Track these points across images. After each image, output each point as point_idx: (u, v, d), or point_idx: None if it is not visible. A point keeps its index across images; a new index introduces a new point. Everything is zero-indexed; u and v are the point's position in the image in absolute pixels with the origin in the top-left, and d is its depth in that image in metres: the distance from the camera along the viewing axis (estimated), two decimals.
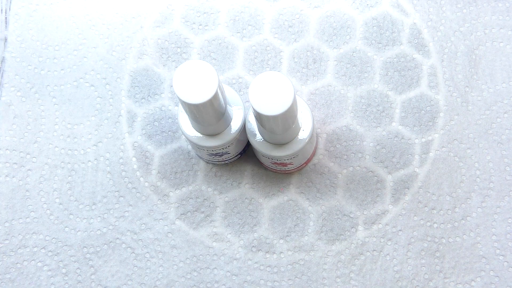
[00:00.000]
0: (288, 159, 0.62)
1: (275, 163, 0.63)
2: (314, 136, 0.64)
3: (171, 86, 0.69)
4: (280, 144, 0.61)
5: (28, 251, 0.67)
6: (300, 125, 0.61)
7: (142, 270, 0.66)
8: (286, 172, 0.67)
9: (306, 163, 0.66)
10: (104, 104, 0.69)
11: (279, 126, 0.58)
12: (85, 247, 0.67)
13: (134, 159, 0.68)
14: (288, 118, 0.57)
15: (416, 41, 0.69)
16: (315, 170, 0.67)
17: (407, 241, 0.66)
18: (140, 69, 0.70)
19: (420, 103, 0.68)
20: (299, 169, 0.67)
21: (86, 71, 0.70)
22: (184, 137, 0.67)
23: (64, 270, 0.67)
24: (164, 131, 0.68)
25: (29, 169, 0.68)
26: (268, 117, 0.56)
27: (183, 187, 0.68)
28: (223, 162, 0.67)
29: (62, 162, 0.68)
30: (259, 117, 0.57)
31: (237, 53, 0.69)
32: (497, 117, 0.67)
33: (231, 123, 0.62)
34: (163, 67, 0.69)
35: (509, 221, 0.66)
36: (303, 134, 0.61)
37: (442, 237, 0.66)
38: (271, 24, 0.70)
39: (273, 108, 0.55)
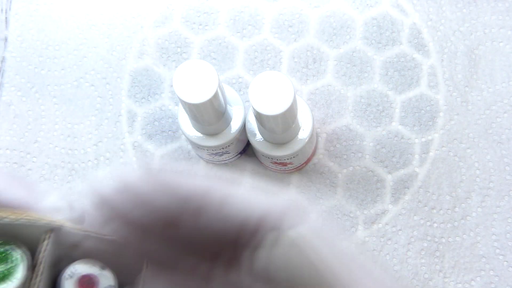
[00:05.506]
0: (288, 159, 0.62)
1: (275, 162, 0.63)
2: (314, 135, 0.64)
3: (171, 86, 0.69)
4: (280, 144, 0.61)
5: None
6: (300, 125, 0.61)
7: None
8: (286, 171, 0.67)
9: (306, 162, 0.66)
10: (104, 104, 0.69)
11: (279, 126, 0.58)
12: None
13: (134, 158, 0.68)
14: (288, 118, 0.57)
15: (416, 41, 0.69)
16: (315, 170, 0.67)
17: (407, 241, 0.66)
18: (140, 69, 0.70)
19: (420, 103, 0.68)
20: (299, 168, 0.67)
21: (86, 71, 0.70)
22: (184, 137, 0.68)
23: None
24: (164, 131, 0.68)
25: (29, 169, 0.68)
26: (268, 117, 0.56)
27: None
28: (223, 162, 0.67)
29: (62, 161, 0.68)
30: (259, 116, 0.57)
31: (237, 53, 0.69)
32: (497, 117, 0.67)
33: (231, 123, 0.62)
34: (163, 67, 0.69)
35: (509, 221, 0.66)
36: (303, 133, 0.61)
37: (442, 237, 0.66)
38: (271, 24, 0.70)
39: (273, 107, 0.55)
